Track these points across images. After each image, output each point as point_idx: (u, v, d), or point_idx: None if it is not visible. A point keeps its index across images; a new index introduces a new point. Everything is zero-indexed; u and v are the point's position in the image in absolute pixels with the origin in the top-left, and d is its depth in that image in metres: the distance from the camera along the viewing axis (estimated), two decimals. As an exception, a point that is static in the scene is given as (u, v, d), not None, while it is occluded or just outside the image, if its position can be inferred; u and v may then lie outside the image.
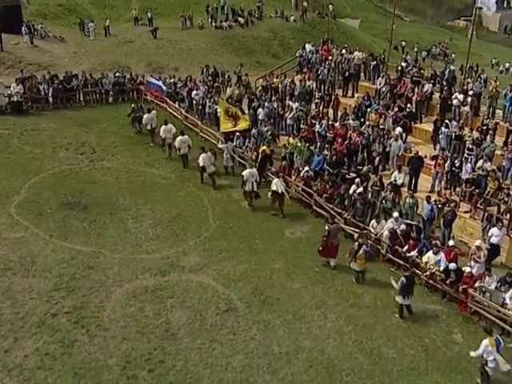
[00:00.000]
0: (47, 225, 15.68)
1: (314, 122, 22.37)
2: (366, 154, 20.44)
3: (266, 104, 24.39)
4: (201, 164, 19.53)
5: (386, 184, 18.38)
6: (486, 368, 11.50)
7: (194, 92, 26.08)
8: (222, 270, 14.71)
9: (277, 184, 17.94)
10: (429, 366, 12.03)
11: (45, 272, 13.39)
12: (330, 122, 22.17)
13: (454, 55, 58.82)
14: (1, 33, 31.54)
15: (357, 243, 15.09)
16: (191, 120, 23.51)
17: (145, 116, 22.74)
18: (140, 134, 23.61)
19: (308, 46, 29.02)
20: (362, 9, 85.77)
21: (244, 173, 18.52)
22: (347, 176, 19.11)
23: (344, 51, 27.11)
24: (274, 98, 25.20)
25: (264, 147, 19.82)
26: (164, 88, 24.79)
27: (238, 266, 15.05)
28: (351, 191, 17.89)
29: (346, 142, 20.64)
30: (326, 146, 20.70)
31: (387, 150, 20.42)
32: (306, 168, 18.88)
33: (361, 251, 14.89)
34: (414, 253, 15.15)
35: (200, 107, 25.68)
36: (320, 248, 15.56)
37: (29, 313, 11.85)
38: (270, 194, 18.28)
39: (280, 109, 24.03)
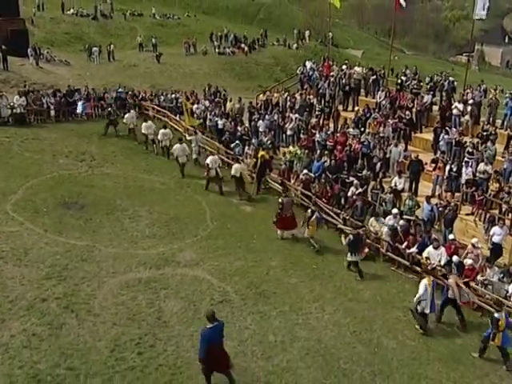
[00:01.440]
0: (42, 221, 15.51)
1: (313, 131, 22.41)
2: (366, 161, 20.32)
3: (267, 116, 24.51)
4: (174, 154, 20.76)
5: (385, 188, 18.25)
6: (417, 307, 12.47)
7: (195, 106, 26.31)
8: (217, 266, 14.43)
9: (236, 169, 19.16)
10: (430, 357, 11.62)
11: (37, 262, 13.14)
12: (330, 131, 22.19)
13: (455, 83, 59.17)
14: (7, 54, 32.05)
15: (309, 210, 16.26)
16: (191, 132, 23.70)
17: (126, 116, 24.07)
18: (138, 146, 23.70)
19: (308, 64, 29.34)
20: (365, 42, 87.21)
21: (208, 160, 19.64)
22: (346, 180, 19.00)
23: (344, 67, 27.33)
24: (274, 110, 25.29)
25: (263, 152, 19.77)
26: None
27: (234, 262, 14.77)
28: (350, 193, 17.78)
29: (345, 149, 20.60)
30: (326, 152, 20.60)
31: (387, 156, 20.35)
32: (305, 171, 18.78)
33: (313, 218, 15.85)
34: (413, 249, 14.88)
35: (201, 120, 25.81)
36: (274, 219, 16.55)
37: (18, 297, 11.57)
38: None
39: (280, 120, 24.11)
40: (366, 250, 15.97)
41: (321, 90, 26.47)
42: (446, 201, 17.50)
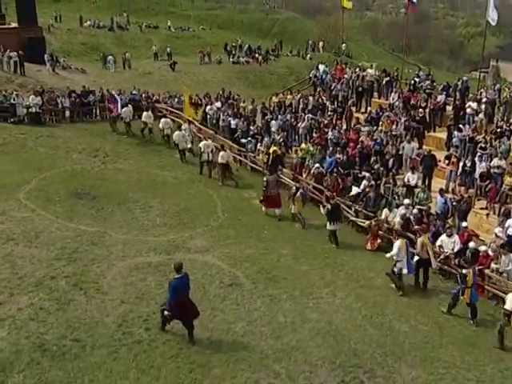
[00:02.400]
0: (54, 209, 15.59)
1: (326, 130, 22.37)
2: (378, 158, 20.17)
3: (280, 117, 24.54)
4: (175, 141, 22.12)
5: (398, 183, 18.11)
6: (394, 268, 13.21)
7: (209, 107, 26.47)
8: (228, 253, 14.34)
9: (222, 156, 19.81)
10: (443, 341, 11.38)
11: (48, 245, 13.17)
12: (343, 129, 22.14)
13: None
14: (23, 60, 32.55)
15: (294, 187, 16.99)
16: (204, 131, 23.88)
17: (122, 110, 24.48)
18: (153, 144, 23.86)
19: (321, 67, 29.43)
20: (379, 57, 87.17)
21: (200, 144, 20.71)
22: (359, 175, 18.87)
23: (358, 69, 27.35)
24: (287, 111, 25.31)
25: (275, 148, 19.76)
26: (118, 99, 25.14)
27: (245, 250, 14.67)
28: (362, 186, 17.65)
29: (358, 146, 20.50)
30: (338, 149, 20.50)
31: (400, 153, 20.19)
32: (317, 165, 18.70)
33: (298, 194, 16.59)
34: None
35: (214, 121, 25.93)
36: (261, 198, 17.53)
37: (27, 274, 11.58)
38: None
39: (293, 120, 24.11)
40: (379, 240, 15.80)
41: (334, 92, 26.49)
42: (460, 195, 17.30)
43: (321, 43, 53.09)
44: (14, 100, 23.84)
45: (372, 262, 14.85)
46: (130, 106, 25.22)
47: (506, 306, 11.24)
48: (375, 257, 15.17)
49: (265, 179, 17.36)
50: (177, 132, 22.50)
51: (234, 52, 47.00)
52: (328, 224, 15.67)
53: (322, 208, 16.10)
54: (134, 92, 28.22)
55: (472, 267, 12.17)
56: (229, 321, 11.19)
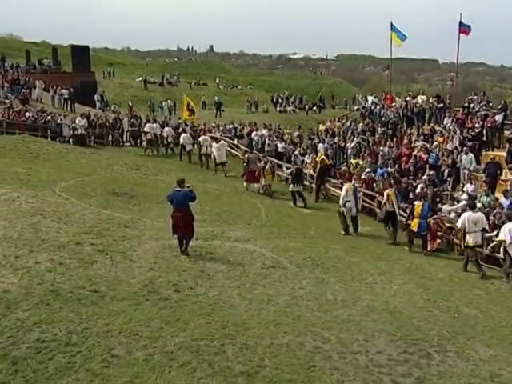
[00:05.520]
0: (89, 200, 14.81)
1: (375, 148, 21.25)
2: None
3: (327, 140, 23.66)
4: (181, 142, 23.65)
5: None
6: (342, 208, 14.78)
7: (254, 133, 25.99)
8: (271, 243, 13.02)
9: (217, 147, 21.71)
10: (524, 327, 9.53)
11: (77, 223, 12.16)
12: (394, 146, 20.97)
13: None
14: (74, 98, 33.43)
15: (262, 162, 18.91)
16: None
17: (147, 125, 24.87)
18: (195, 164, 23.29)
19: (370, 98, 28.68)
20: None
21: (200, 138, 23.03)
22: (413, 184, 17.46)
23: (408, 98, 26.41)
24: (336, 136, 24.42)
25: (323, 156, 18.71)
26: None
27: (289, 243, 13.31)
28: (418, 189, 16.24)
29: (411, 161, 19.23)
30: (390, 162, 19.27)
31: (457, 165, 18.76)
32: (368, 169, 17.46)
33: (266, 167, 18.58)
34: (493, 233, 13.01)
35: (259, 146, 25.26)
36: (242, 173, 19.85)
37: (51, 239, 10.55)
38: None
39: (341, 141, 23.13)
40: (438, 241, 14.22)
41: (383, 118, 25.50)
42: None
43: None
44: (60, 121, 23.95)
45: (432, 259, 13.25)
46: (155, 123, 25.47)
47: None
48: (435, 256, 13.57)
49: (246, 155, 20.41)
50: (183, 134, 24.07)
51: (280, 102, 47.08)
52: (291, 186, 17.74)
53: (285, 169, 19.35)
54: (179, 121, 28.12)
55: (423, 200, 13.64)
56: (270, 294, 9.77)
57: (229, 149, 24.76)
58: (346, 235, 14.78)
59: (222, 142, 23.03)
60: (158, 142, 24.77)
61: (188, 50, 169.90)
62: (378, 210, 15.79)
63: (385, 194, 14.62)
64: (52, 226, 11.51)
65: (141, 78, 55.31)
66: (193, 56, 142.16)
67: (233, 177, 21.48)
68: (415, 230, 13.45)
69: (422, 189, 15.96)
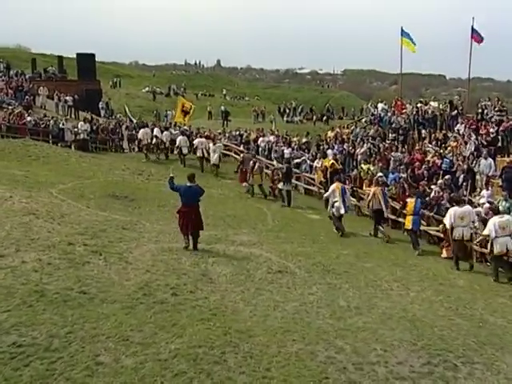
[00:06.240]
0: (87, 202, 14.06)
1: (387, 153, 20.44)
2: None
3: (336, 146, 22.89)
4: (177, 144, 23.08)
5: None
6: (332, 210, 14.50)
7: (261, 139, 25.29)
8: (278, 248, 12.20)
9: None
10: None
11: (72, 223, 11.42)
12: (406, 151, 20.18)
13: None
14: (78, 105, 32.94)
15: (252, 162, 18.73)
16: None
17: (140, 131, 24.11)
18: (195, 169, 22.53)
19: (380, 105, 27.91)
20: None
21: (195, 141, 22.71)
22: (427, 190, 16.61)
23: (420, 104, 25.64)
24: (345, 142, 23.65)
25: (332, 161, 17.92)
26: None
27: (297, 248, 12.49)
28: (433, 193, 15.42)
29: (423, 166, 18.40)
30: (402, 167, 18.44)
31: (475, 170, 17.91)
32: (380, 173, 16.64)
33: (255, 167, 18.47)
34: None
35: (266, 152, 24.52)
36: (235, 170, 20.42)
37: (41, 238, 9.79)
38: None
39: (351, 148, 22.35)
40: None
41: (394, 125, 24.71)
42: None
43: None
44: (62, 125, 23.33)
45: (450, 267, 12.35)
46: (147, 128, 24.71)
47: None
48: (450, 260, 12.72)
49: (241, 155, 20.13)
50: (180, 137, 23.34)
51: (288, 112, 46.45)
52: (281, 184, 17.64)
53: (276, 163, 19.32)
54: (184, 127, 27.48)
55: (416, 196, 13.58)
56: (277, 300, 8.94)
57: (233, 154, 24.25)
58: (343, 235, 14.26)
59: (218, 144, 22.73)
60: (158, 147, 24.05)
61: (195, 64, 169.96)
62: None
63: (371, 192, 14.46)
64: (44, 225, 10.74)
65: (147, 89, 54.92)
66: (200, 70, 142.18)
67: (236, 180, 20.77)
68: (410, 227, 13.41)
69: (437, 192, 15.13)
